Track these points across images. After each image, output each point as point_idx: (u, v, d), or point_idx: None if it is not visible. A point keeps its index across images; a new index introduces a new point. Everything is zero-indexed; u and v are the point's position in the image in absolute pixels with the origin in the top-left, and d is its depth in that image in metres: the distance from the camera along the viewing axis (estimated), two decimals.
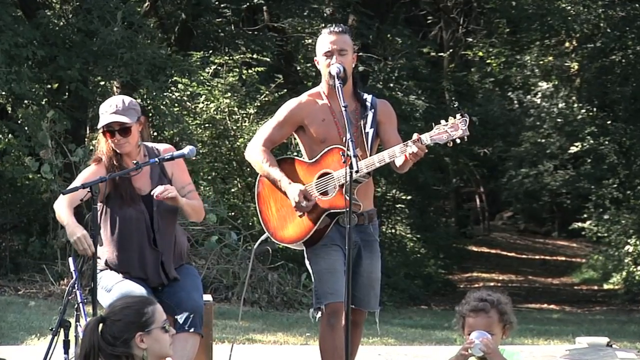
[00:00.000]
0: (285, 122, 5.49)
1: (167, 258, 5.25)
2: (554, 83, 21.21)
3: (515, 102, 23.26)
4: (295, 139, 5.83)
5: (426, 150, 5.15)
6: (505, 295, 4.29)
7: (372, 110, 5.42)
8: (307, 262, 5.46)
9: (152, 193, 5.11)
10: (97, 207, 4.90)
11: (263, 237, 5.70)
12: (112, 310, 3.93)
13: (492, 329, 4.17)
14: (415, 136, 5.13)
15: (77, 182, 5.13)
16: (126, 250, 5.21)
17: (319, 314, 5.33)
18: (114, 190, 5.21)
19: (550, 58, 20.99)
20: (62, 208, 5.08)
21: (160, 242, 5.22)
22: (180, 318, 5.09)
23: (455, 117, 5.15)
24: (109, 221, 5.22)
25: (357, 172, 4.93)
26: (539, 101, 21.53)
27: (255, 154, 5.49)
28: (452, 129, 5.13)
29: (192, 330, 5.09)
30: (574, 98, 20.92)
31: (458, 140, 5.15)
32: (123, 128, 5.18)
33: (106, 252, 5.23)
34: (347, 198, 4.93)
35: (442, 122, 5.17)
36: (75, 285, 4.79)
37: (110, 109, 5.18)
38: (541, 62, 21.20)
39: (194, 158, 14.50)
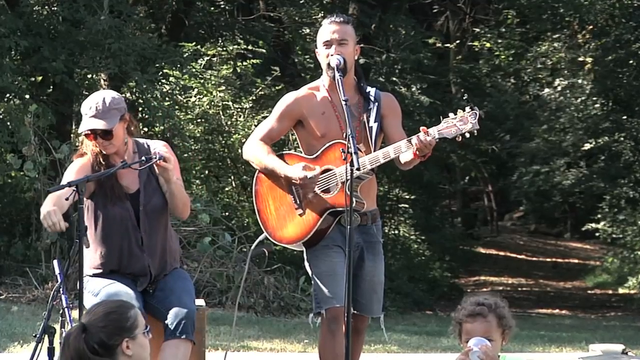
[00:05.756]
0: (283, 117, 5.47)
1: (153, 262, 5.23)
2: (570, 81, 21.17)
3: (527, 95, 23.22)
4: (293, 134, 5.81)
5: (434, 145, 5.14)
6: (502, 299, 4.28)
7: (376, 103, 5.41)
8: (306, 264, 5.44)
9: (153, 152, 5.08)
10: (84, 207, 4.88)
11: (260, 238, 5.67)
12: (95, 316, 3.83)
13: (490, 334, 4.15)
14: (422, 130, 5.12)
15: (63, 182, 5.11)
16: (109, 250, 5.18)
17: (319, 320, 5.31)
18: (99, 187, 5.19)
19: (562, 54, 20.96)
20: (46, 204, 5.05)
21: (147, 243, 5.20)
22: (171, 323, 5.06)
23: (464, 110, 5.14)
24: (93, 219, 5.21)
25: (358, 169, 4.91)
26: (557, 94, 21.49)
27: (252, 148, 5.47)
28: (461, 122, 5.12)
29: (183, 336, 5.07)
30: (587, 92, 20.87)
31: (467, 135, 5.13)
32: (104, 131, 5.14)
33: (90, 250, 5.21)
34: (350, 196, 4.92)
35: (451, 115, 5.16)
36: (60, 290, 4.77)
37: (90, 112, 5.13)
38: (554, 57, 21.16)
39: (185, 155, 14.48)
